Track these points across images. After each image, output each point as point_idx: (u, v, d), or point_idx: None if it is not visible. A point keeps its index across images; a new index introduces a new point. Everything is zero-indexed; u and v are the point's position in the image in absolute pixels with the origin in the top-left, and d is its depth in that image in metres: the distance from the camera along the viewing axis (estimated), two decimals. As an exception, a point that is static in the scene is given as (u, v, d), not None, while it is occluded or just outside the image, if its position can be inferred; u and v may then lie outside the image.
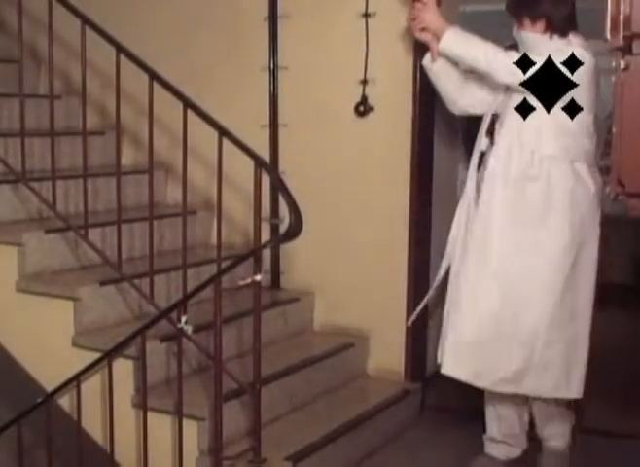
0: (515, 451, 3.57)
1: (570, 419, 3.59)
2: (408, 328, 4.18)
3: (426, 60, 3.56)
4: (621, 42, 3.53)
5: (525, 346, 3.28)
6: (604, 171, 3.64)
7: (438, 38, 3.41)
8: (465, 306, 3.34)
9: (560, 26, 3.29)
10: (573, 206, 3.29)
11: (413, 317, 3.82)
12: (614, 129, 3.63)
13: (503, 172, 3.30)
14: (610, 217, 3.60)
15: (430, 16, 3.42)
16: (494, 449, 3.57)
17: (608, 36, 3.59)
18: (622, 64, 3.54)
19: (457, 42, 3.37)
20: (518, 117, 3.28)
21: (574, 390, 3.34)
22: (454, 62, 3.49)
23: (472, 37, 3.38)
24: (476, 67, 3.39)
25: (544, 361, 3.28)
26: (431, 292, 3.70)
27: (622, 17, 3.52)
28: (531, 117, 3.27)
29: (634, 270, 3.85)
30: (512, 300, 3.29)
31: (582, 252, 3.31)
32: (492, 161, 3.33)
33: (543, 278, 3.27)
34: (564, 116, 3.25)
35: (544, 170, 3.27)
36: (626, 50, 3.52)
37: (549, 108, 3.24)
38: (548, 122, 3.26)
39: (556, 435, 3.55)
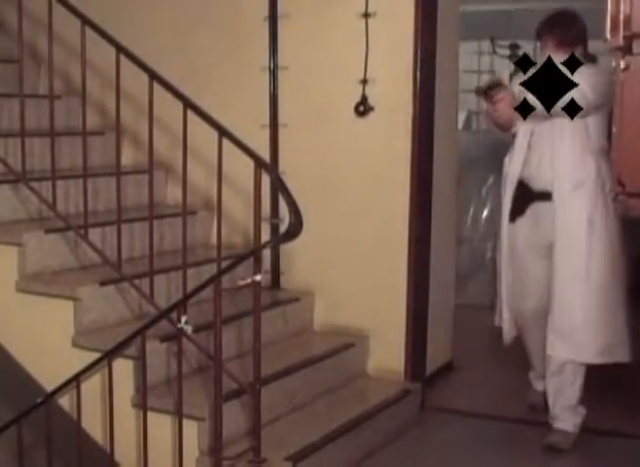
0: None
1: (580, 409, 3.79)
2: (408, 328, 4.19)
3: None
4: (621, 42, 3.55)
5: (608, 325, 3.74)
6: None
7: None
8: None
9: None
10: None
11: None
12: (614, 129, 3.65)
13: (570, 175, 3.65)
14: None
15: (510, 109, 3.66)
16: (537, 384, 4.10)
17: (608, 36, 3.61)
18: (622, 64, 3.55)
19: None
20: (577, 127, 3.62)
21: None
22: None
23: None
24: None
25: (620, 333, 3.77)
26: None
27: (622, 17, 3.53)
28: (583, 123, 3.63)
29: (634, 270, 3.84)
30: (597, 290, 3.72)
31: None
32: (557, 168, 3.66)
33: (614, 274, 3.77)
34: (605, 122, 3.74)
35: (595, 170, 3.64)
36: (626, 50, 3.53)
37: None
38: (595, 127, 3.66)
39: (566, 417, 3.77)
